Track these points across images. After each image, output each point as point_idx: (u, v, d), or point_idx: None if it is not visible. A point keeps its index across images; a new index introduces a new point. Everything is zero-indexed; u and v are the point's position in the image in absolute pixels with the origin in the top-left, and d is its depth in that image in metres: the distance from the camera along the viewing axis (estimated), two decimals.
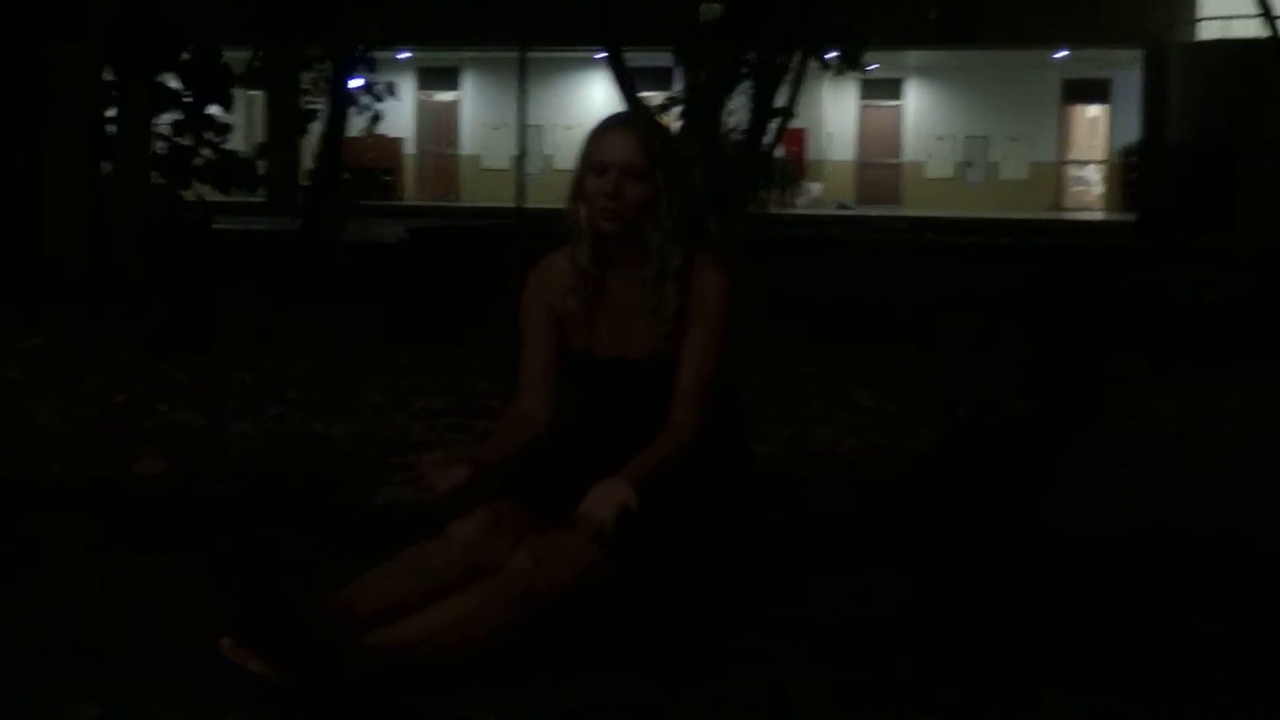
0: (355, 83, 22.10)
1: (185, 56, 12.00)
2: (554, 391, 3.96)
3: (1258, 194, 24.59)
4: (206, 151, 12.39)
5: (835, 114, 38.81)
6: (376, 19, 21.62)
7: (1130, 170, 34.96)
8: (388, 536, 3.98)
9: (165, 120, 11.94)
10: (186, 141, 12.11)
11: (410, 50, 36.33)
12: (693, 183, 3.97)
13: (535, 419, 3.92)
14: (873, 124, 39.28)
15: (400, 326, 9.96)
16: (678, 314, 3.86)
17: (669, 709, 3.34)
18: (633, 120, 4.05)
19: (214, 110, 12.33)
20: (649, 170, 3.83)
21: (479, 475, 3.67)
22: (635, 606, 3.72)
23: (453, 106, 41.02)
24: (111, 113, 10.87)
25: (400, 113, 33.80)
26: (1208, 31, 30.46)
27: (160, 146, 11.75)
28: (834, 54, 28.31)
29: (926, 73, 38.54)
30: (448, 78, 40.79)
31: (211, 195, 13.36)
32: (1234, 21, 28.99)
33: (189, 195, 12.54)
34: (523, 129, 30.54)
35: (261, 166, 15.82)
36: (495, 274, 7.33)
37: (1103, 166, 38.75)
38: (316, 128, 21.91)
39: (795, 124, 30.76)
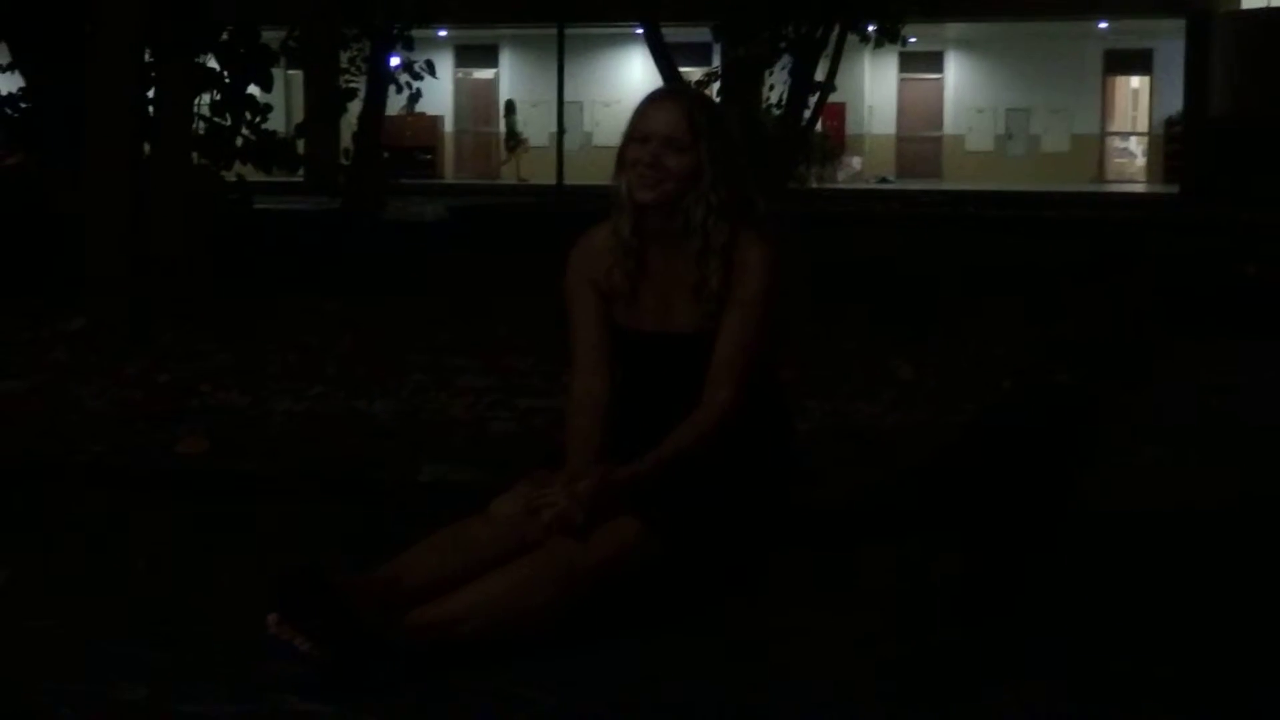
0: (393, 61, 22.11)
1: (224, 37, 12.02)
2: (610, 364, 3.96)
3: None
4: (246, 132, 12.40)
5: (875, 88, 38.67)
6: None
7: (1172, 142, 34.77)
8: (431, 514, 3.99)
9: (204, 100, 11.96)
10: (226, 122, 12.12)
11: (448, 28, 36.34)
12: (742, 161, 3.95)
13: (598, 396, 3.91)
14: (913, 97, 39.13)
15: (439, 304, 9.98)
16: (720, 290, 3.86)
17: (711, 684, 3.34)
18: (680, 93, 4.08)
19: (253, 90, 12.33)
20: (691, 143, 3.83)
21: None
22: (677, 583, 3.72)
23: (491, 84, 41.02)
24: (151, 93, 10.89)
25: (439, 91, 33.80)
26: (1250, 0, 30.26)
27: (200, 127, 11.76)
28: (873, 27, 28.20)
29: (966, 45, 38.36)
30: (486, 55, 40.78)
31: (251, 175, 13.37)
32: None
33: (228, 175, 12.56)
34: (561, 106, 30.48)
35: (300, 146, 15.84)
36: (536, 252, 7.34)
37: (1144, 138, 38.55)
38: (355, 106, 21.93)
39: (835, 98, 30.66)
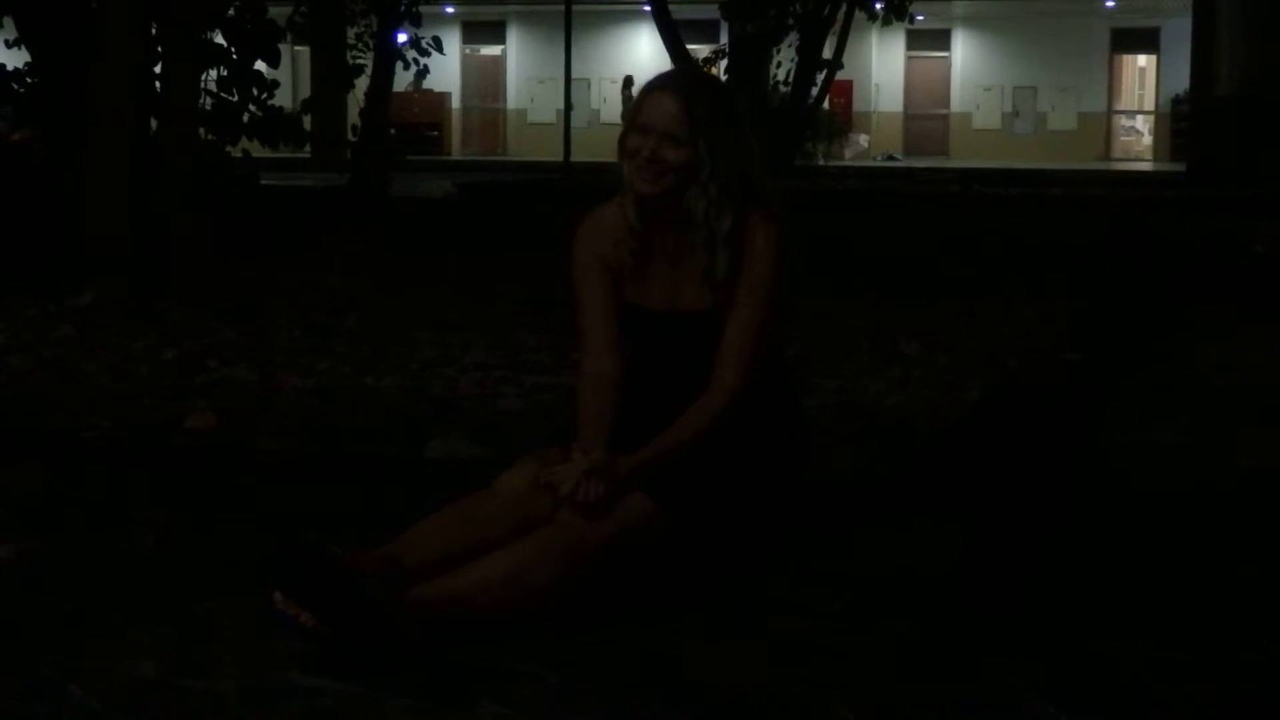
0: (400, 37, 22.03)
1: (231, 12, 12.02)
2: (620, 343, 3.94)
3: None
4: (252, 108, 12.40)
5: (882, 65, 38.66)
6: None
7: (1179, 120, 34.71)
8: (437, 490, 3.99)
9: (210, 76, 11.98)
10: (232, 98, 12.13)
11: (455, 4, 36.29)
12: (748, 147, 3.91)
13: (610, 376, 3.88)
14: (920, 75, 39.11)
15: (447, 280, 9.98)
16: (728, 277, 3.84)
17: (715, 662, 3.34)
18: (679, 83, 3.96)
19: (260, 66, 12.32)
20: (689, 137, 3.80)
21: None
22: (683, 560, 3.72)
23: (498, 60, 40.98)
24: (157, 69, 10.90)
25: (446, 67, 33.75)
26: None
27: (206, 102, 11.77)
28: (881, 4, 28.16)
29: (974, 23, 38.32)
30: (493, 31, 40.75)
31: (257, 151, 13.38)
32: None
33: (235, 151, 12.57)
34: (569, 82, 30.45)
35: (307, 122, 15.84)
36: (544, 228, 7.33)
37: (1151, 116, 38.50)
38: (362, 83, 21.88)
39: (842, 76, 30.64)
